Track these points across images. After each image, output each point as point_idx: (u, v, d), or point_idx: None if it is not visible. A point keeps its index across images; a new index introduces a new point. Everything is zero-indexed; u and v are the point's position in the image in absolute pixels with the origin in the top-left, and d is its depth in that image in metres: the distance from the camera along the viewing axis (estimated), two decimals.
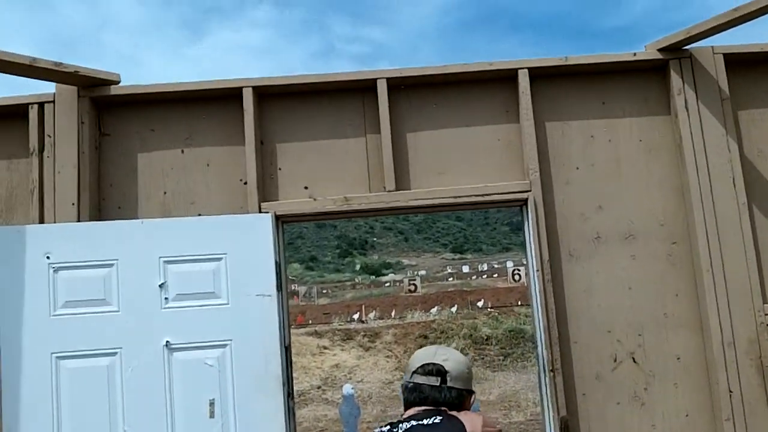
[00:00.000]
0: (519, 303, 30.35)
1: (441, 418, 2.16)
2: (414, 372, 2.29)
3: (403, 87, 4.03)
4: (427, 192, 3.89)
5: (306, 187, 3.92)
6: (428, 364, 2.27)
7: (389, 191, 3.87)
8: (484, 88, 4.07)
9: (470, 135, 4.03)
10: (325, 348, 25.33)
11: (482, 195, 3.89)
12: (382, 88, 3.94)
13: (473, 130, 4.04)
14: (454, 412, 2.21)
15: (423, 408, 2.22)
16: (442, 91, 4.06)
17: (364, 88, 4.02)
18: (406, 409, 2.25)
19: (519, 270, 39.29)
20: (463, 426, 2.12)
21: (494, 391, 20.02)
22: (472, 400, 2.31)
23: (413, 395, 2.25)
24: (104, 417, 3.33)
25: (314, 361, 23.99)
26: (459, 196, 3.88)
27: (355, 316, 33.01)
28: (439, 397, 2.22)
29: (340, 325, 29.83)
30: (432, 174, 3.98)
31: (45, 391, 3.34)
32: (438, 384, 2.24)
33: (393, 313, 32.65)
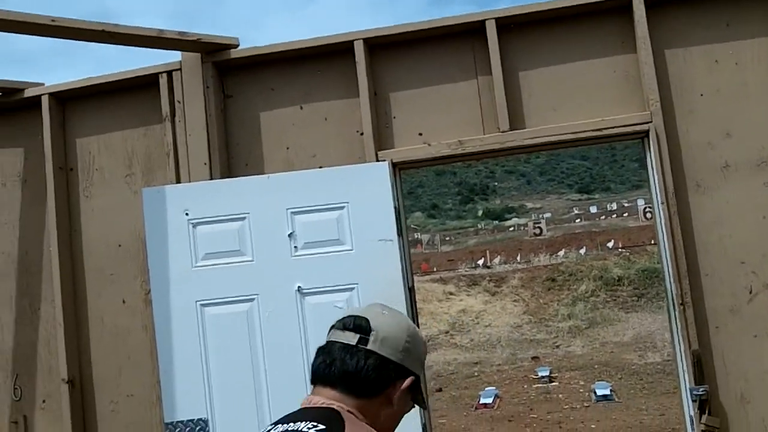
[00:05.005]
0: (652, 242, 29.34)
1: (320, 428, 1.42)
2: (332, 327, 1.64)
3: (512, 26, 3.99)
4: (542, 130, 3.86)
5: (420, 134, 3.99)
6: (349, 317, 1.61)
7: (503, 131, 3.87)
8: (597, 20, 3.96)
9: (585, 69, 3.94)
10: (451, 294, 25.64)
11: (600, 129, 3.82)
12: (491, 29, 3.91)
13: (587, 64, 3.95)
14: (352, 412, 1.50)
15: (313, 401, 1.54)
16: (553, 26, 3.98)
17: (472, 31, 4.01)
18: (312, 383, 1.60)
19: (651, 208, 37.95)
20: None
21: (628, 333, 19.69)
22: (405, 384, 1.56)
23: (319, 359, 1.59)
24: (246, 357, 3.60)
25: (441, 307, 24.36)
26: (576, 132, 3.83)
27: (480, 262, 33.05)
28: (350, 364, 1.52)
29: (465, 271, 29.99)
30: (547, 111, 3.93)
31: (192, 335, 3.64)
32: (354, 343, 1.55)
33: (518, 258, 32.45)
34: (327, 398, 1.52)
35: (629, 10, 3.86)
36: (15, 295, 4.37)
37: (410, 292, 3.69)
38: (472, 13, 4.00)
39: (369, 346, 1.54)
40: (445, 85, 4.02)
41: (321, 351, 1.59)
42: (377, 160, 3.86)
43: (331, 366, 1.54)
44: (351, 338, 1.55)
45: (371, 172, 3.73)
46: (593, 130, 3.83)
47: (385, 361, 1.54)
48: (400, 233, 3.68)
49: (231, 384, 3.59)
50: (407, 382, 1.56)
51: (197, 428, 3.57)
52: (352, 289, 3.61)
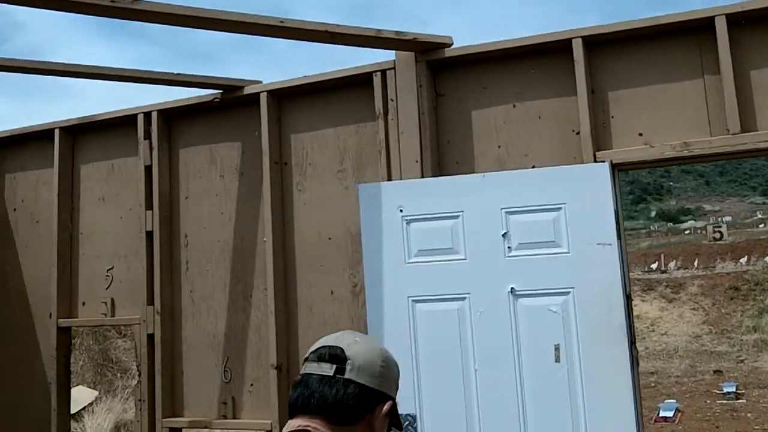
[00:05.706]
0: None
1: None
2: (305, 360, 1.66)
3: (743, 22, 3.72)
4: None
5: (641, 134, 3.82)
6: (322, 347, 1.63)
7: (733, 134, 3.63)
8: None
9: None
10: None
11: None
12: (720, 26, 3.67)
13: None
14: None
15: (290, 425, 1.54)
16: None
17: (698, 28, 3.78)
18: (290, 417, 1.59)
19: None
20: None
21: None
22: (384, 409, 1.59)
23: (296, 393, 1.58)
24: (456, 356, 3.61)
25: None
26: None
27: (654, 266, 31.57)
28: (329, 395, 1.53)
29: (638, 275, 28.73)
30: None
31: (403, 330, 3.70)
32: (331, 374, 1.56)
33: (696, 263, 30.67)
34: (305, 422, 1.52)
35: None
36: (229, 282, 4.67)
37: (627, 299, 3.56)
38: (699, 10, 3.77)
39: (347, 375, 1.56)
40: (668, 84, 3.82)
41: (298, 385, 1.60)
42: (595, 161, 3.74)
43: (310, 398, 1.54)
44: (327, 369, 1.57)
45: (590, 172, 3.62)
46: None
47: (365, 388, 1.56)
48: (618, 237, 3.55)
49: (440, 382, 3.62)
50: (386, 407, 1.59)
51: (405, 423, 3.63)
52: (568, 293, 3.52)
